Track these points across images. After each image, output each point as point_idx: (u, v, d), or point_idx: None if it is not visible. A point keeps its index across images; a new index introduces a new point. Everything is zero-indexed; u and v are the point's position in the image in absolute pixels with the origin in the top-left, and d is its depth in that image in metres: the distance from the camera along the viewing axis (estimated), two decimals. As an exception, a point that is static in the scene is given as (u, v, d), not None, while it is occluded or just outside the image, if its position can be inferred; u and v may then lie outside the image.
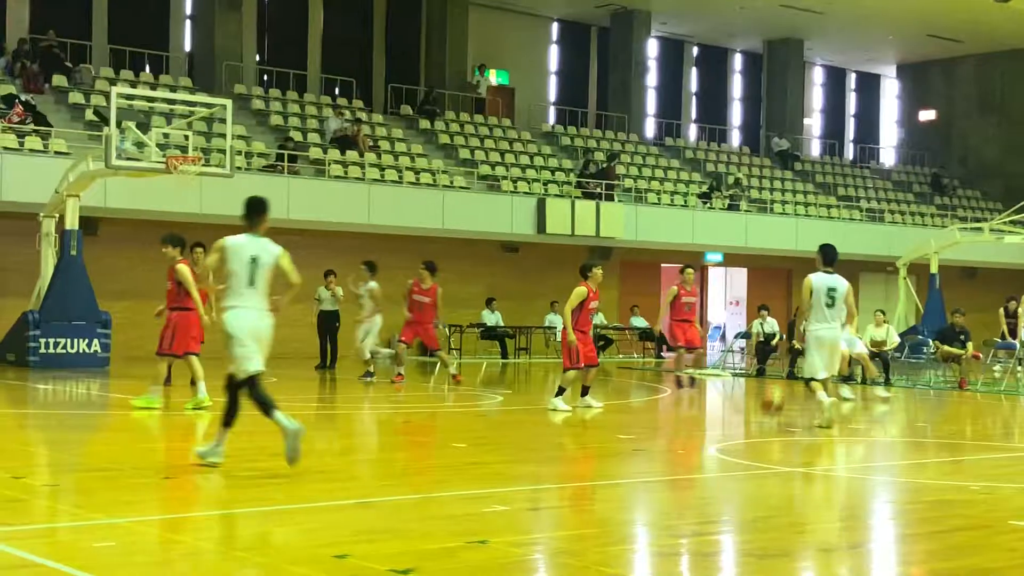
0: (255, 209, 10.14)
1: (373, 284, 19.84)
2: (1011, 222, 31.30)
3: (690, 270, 19.94)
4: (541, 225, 29.32)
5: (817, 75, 44.44)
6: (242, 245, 9.88)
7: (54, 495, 8.85)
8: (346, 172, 28.05)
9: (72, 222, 20.98)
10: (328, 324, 23.23)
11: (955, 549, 7.72)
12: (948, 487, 10.29)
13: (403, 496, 8.91)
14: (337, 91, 33.23)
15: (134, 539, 7.29)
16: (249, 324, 9.62)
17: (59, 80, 27.39)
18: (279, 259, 9.86)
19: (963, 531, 8.26)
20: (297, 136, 28.88)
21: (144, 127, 21.10)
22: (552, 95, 38.55)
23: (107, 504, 8.36)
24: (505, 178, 30.77)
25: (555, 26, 38.33)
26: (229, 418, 9.78)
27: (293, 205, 25.72)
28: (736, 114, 42.79)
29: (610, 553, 7.26)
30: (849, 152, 44.74)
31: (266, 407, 9.56)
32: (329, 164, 27.77)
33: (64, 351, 20.17)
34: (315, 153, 28.28)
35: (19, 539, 6.97)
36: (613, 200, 31.14)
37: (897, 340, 24.65)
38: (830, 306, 13.88)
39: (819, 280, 14.01)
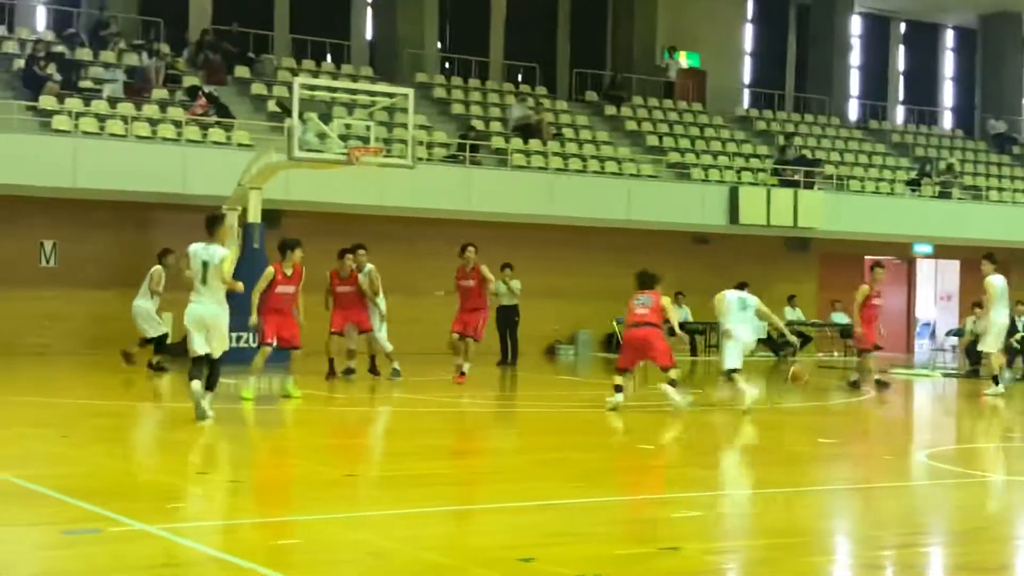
0: (211, 223, 12.91)
1: (370, 267, 18.81)
2: None
3: (880, 269, 19.65)
4: (734, 215, 28.98)
5: (1038, 51, 42.75)
6: (195, 251, 12.71)
7: (236, 491, 9.16)
8: (529, 161, 28.24)
9: (255, 215, 21.68)
10: (507, 319, 23.46)
11: None
12: None
13: (588, 499, 8.94)
14: (520, 78, 33.49)
15: (316, 537, 7.50)
16: (196, 315, 12.40)
17: (241, 71, 28.33)
18: (222, 261, 12.43)
19: None
20: (479, 125, 29.21)
21: (326, 118, 21.63)
22: (746, 77, 38.02)
23: (290, 501, 8.62)
24: (696, 166, 30.52)
25: (750, 3, 37.76)
26: (210, 383, 12.59)
27: (475, 196, 26.05)
28: (948, 95, 41.45)
29: (809, 564, 7.14)
30: (1075, 134, 42.91)
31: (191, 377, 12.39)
32: (512, 153, 28.00)
33: (247, 345, 20.82)
34: (497, 142, 28.56)
35: (202, 534, 7.24)
36: (812, 188, 30.59)
37: None
38: None
39: None
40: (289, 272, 15.09)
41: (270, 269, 15.16)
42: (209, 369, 12.52)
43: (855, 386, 19.45)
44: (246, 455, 11.53)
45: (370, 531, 7.70)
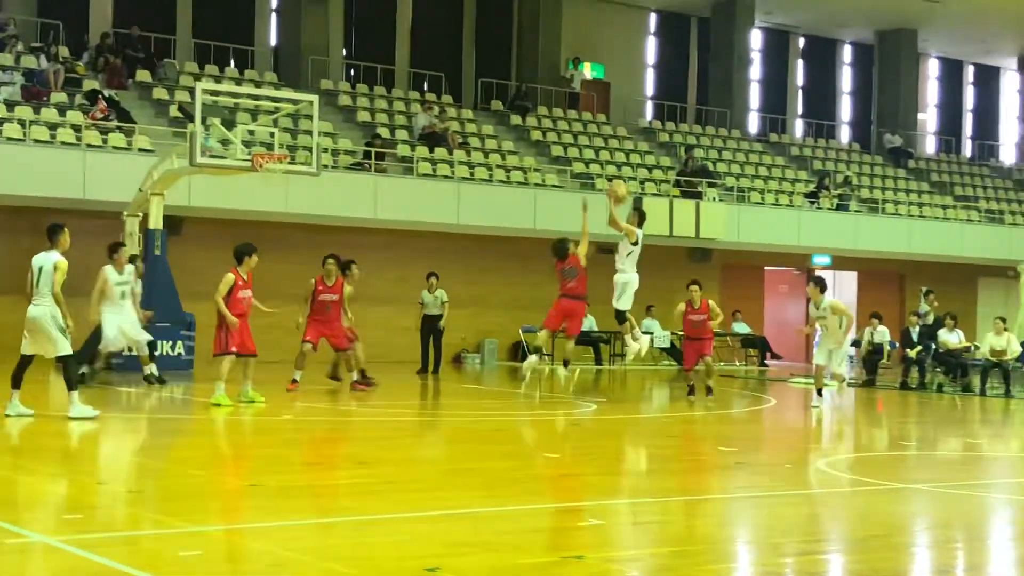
0: (51, 232, 13.74)
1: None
2: None
3: (695, 287, 19.84)
4: (638, 225, 29.15)
5: (932, 68, 43.67)
6: (36, 258, 13.48)
7: (138, 501, 9.03)
8: (435, 170, 28.23)
9: (156, 221, 21.37)
10: (431, 328, 23.40)
11: None
12: None
13: (495, 508, 8.95)
14: (426, 86, 33.48)
15: (219, 548, 7.42)
16: (28, 316, 13.28)
17: (143, 75, 27.96)
18: (55, 267, 13.18)
19: None
20: (385, 133, 29.14)
21: (229, 124, 21.38)
22: (649, 89, 38.40)
23: (192, 511, 8.51)
24: (600, 176, 30.73)
25: (653, 17, 38.16)
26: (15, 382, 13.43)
27: (381, 204, 25.97)
28: (845, 109, 42.23)
29: (712, 571, 7.22)
30: (967, 149, 43.92)
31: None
32: (417, 162, 27.97)
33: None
34: (403, 150, 28.51)
35: (103, 546, 7.11)
36: (712, 199, 30.94)
37: (1019, 349, 24.19)
38: None
39: None
40: (246, 277, 15.52)
41: (229, 276, 15.46)
42: (63, 370, 13.40)
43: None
44: (149, 465, 11.36)
45: (273, 542, 7.62)
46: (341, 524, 8.41)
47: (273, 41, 32.55)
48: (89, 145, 23.87)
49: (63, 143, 23.76)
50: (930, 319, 25.86)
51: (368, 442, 13.74)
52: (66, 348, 13.13)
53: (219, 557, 7.16)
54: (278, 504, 9.28)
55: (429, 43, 34.29)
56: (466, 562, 6.98)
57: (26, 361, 13.43)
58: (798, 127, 40.64)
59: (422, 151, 28.63)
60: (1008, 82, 45.26)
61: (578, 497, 9.66)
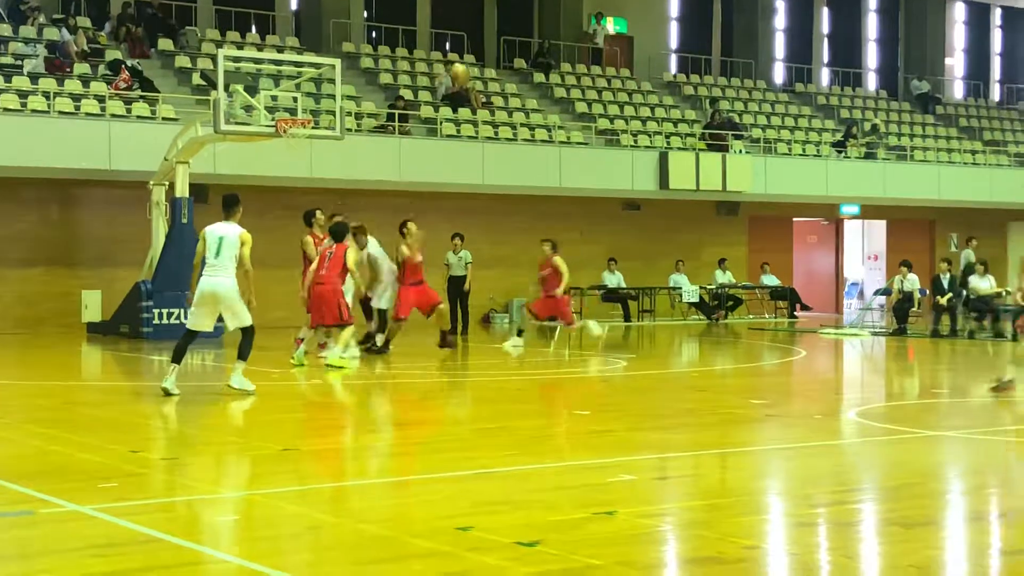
0: (228, 203, 13.12)
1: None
2: None
3: (546, 244, 19.47)
4: (664, 181, 29.12)
5: (959, 11, 43.17)
6: (211, 229, 12.94)
7: (173, 469, 9.11)
8: (459, 131, 28.18)
9: (182, 190, 21.46)
10: (457, 289, 23.43)
11: None
12: None
13: (526, 466, 8.99)
14: (448, 46, 33.38)
15: (254, 512, 7.48)
16: (206, 289, 12.79)
17: (165, 44, 27.97)
18: (240, 239, 12.78)
19: None
20: (408, 95, 29.09)
21: (252, 90, 21.43)
22: (674, 42, 38.15)
23: (227, 477, 8.58)
24: (625, 132, 30.63)
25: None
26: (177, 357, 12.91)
27: (405, 166, 25.96)
28: (872, 56, 41.84)
29: (744, 524, 7.24)
30: (995, 93, 43.49)
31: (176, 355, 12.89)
32: (441, 123, 27.92)
33: (178, 321, 20.62)
34: (426, 112, 28.47)
35: (139, 514, 7.19)
36: (738, 151, 30.80)
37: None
38: None
39: None
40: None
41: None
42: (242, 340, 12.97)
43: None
44: (183, 433, 11.45)
45: (309, 505, 7.69)
46: (373, 486, 8.48)
47: (294, 5, 32.47)
48: (113, 115, 23.93)
49: (87, 114, 23.82)
50: (971, 265, 25.73)
51: (398, 404, 13.81)
52: (249, 319, 12.82)
53: (255, 522, 7.23)
54: (311, 468, 9.36)
55: (450, 3, 34.15)
56: (498, 520, 7.02)
57: (192, 336, 13.08)
58: (824, 76, 40.31)
59: (446, 112, 28.58)
60: (1036, 24, 44.72)
61: (608, 453, 9.68)
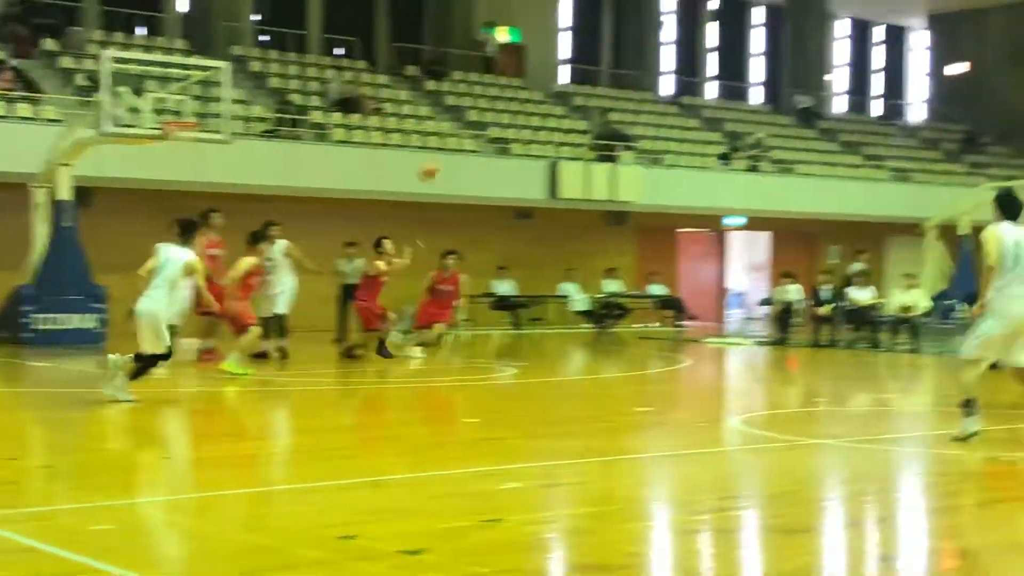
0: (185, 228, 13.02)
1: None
2: (1046, 180, 31.21)
3: (449, 259, 19.74)
4: (554, 190, 29.25)
5: (841, 28, 44.13)
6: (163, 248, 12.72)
7: (51, 476, 8.90)
8: (349, 136, 28.02)
9: (65, 192, 20.96)
10: (349, 297, 23.17)
11: (986, 522, 7.74)
12: (979, 458, 10.30)
13: (413, 474, 8.95)
14: (339, 52, 33.20)
15: (134, 521, 7.34)
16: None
17: (49, 44, 27.37)
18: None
19: (994, 504, 8.28)
20: (298, 99, 28.84)
21: (138, 92, 21.05)
22: (565, 53, 38.40)
23: (105, 485, 8.41)
24: (516, 141, 30.72)
25: (565, -20, 38.17)
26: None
27: (294, 172, 25.71)
28: (757, 70, 42.58)
29: (628, 531, 7.29)
30: (875, 109, 44.56)
31: None
32: (331, 128, 27.74)
33: (59, 327, 20.22)
34: (316, 117, 28.26)
35: (15, 522, 7.01)
36: (627, 162, 31.07)
37: (927, 305, 24.67)
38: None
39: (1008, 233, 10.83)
40: None
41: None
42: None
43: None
44: (62, 439, 11.19)
45: (189, 514, 7.57)
46: (258, 494, 8.37)
47: (182, 7, 32.01)
48: (-6, 115, 23.36)
49: (-32, 114, 23.24)
50: (849, 277, 26.21)
51: (286, 411, 13.67)
52: (156, 348, 12.55)
53: (134, 531, 7.08)
54: (194, 476, 9.21)
55: (342, 8, 33.95)
56: (383, 529, 6.97)
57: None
58: (711, 89, 40.91)
59: (336, 117, 28.39)
60: (916, 41, 45.90)
61: (496, 461, 9.68)
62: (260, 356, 17.43)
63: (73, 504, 7.82)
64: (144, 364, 12.46)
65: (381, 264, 18.30)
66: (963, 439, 10.30)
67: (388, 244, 18.63)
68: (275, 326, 18.12)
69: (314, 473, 9.04)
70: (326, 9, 33.71)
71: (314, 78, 30.75)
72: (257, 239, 16.70)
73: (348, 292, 22.92)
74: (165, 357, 12.51)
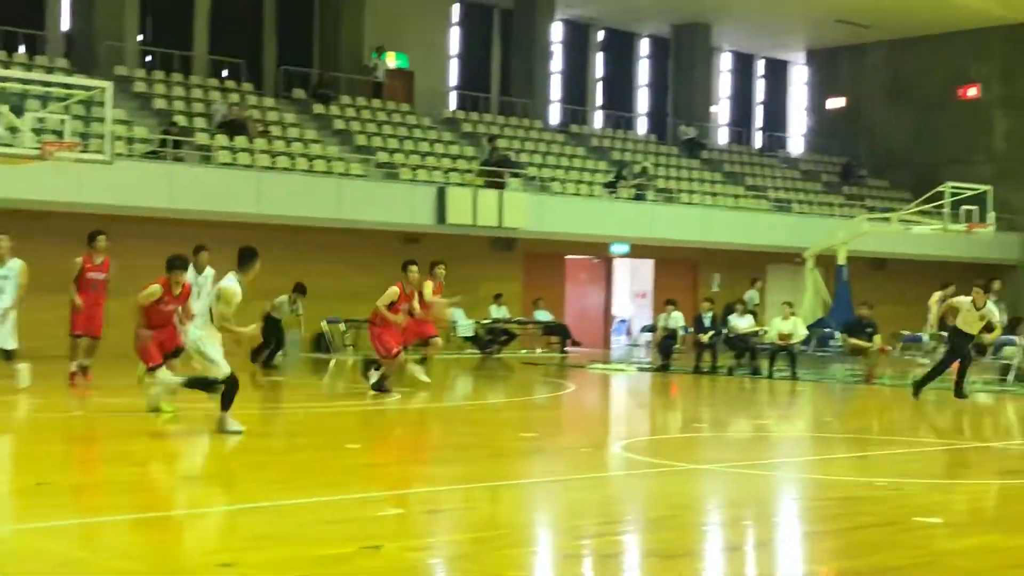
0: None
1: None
2: (920, 212, 32.00)
3: (439, 269, 19.17)
4: (442, 215, 29.22)
5: (725, 61, 44.96)
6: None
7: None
8: (235, 159, 27.70)
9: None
10: (274, 322, 22.70)
11: (862, 546, 7.86)
12: (854, 483, 10.51)
13: (294, 500, 8.83)
14: (225, 73, 32.87)
15: (8, 549, 7.13)
16: None
17: (-75, 60, 26.71)
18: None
19: (870, 528, 8.43)
20: (182, 120, 28.45)
21: (18, 110, 20.56)
22: (453, 80, 38.51)
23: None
24: (404, 166, 30.66)
25: (456, 7, 38.27)
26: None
27: (177, 194, 25.33)
28: (643, 101, 43.12)
29: (510, 556, 7.28)
30: (757, 141, 45.40)
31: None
32: (216, 150, 27.40)
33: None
34: (201, 139, 27.90)
35: None
36: (515, 189, 31.18)
37: (805, 333, 25.09)
38: None
39: None
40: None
41: (394, 289, 16.25)
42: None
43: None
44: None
45: (66, 541, 7.37)
46: (134, 521, 8.18)
47: (65, 26, 31.45)
48: None
49: None
50: (731, 304, 26.56)
51: (167, 437, 13.40)
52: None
53: (5, 558, 6.88)
54: (69, 502, 8.98)
55: (229, 29, 33.66)
56: (262, 556, 6.86)
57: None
58: (598, 118, 41.33)
59: (221, 139, 28.06)
60: (796, 75, 46.90)
61: (378, 487, 9.62)
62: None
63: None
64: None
65: (430, 285, 18.59)
66: None
67: (441, 271, 19.13)
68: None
69: (192, 499, 8.88)
70: (212, 30, 33.38)
71: (199, 99, 30.40)
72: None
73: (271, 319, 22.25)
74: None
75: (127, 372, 15.73)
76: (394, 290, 17.54)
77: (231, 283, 12.31)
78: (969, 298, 18.04)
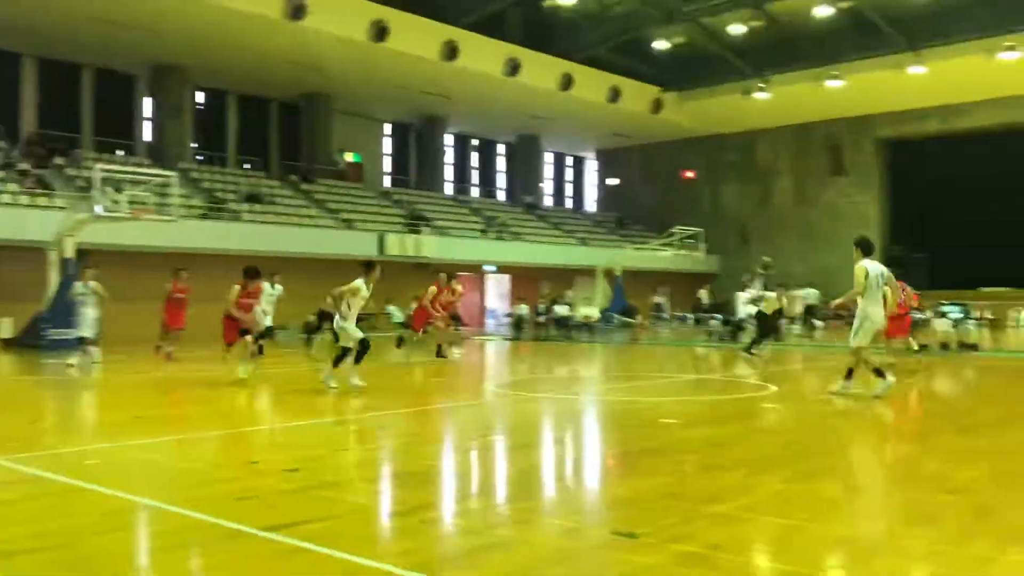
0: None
1: None
2: (663, 244, 32.81)
3: (184, 272, 16.16)
4: (382, 249, 29.08)
5: (548, 157, 45.31)
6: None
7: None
8: (254, 217, 27.08)
9: (69, 253, 19.61)
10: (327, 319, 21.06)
11: (631, 437, 7.80)
12: (627, 401, 10.27)
13: (300, 422, 8.43)
14: (247, 166, 32.17)
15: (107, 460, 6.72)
16: None
17: (59, 159, 25.50)
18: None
19: (635, 427, 8.33)
20: (220, 194, 27.63)
21: (119, 189, 19.86)
22: (388, 168, 38.22)
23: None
24: (358, 220, 30.36)
25: (388, 125, 38.02)
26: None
27: (218, 240, 24.63)
28: (501, 180, 43.08)
29: (424, 451, 7.06)
30: (569, 203, 45.78)
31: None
32: (243, 213, 26.74)
33: (65, 338, 18.79)
34: (232, 205, 27.22)
35: (26, 462, 6.33)
36: (427, 233, 31.02)
37: (598, 315, 25.54)
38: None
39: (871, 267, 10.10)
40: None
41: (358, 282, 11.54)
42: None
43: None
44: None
45: (153, 452, 6.99)
46: (206, 438, 7.69)
47: (148, 137, 30.31)
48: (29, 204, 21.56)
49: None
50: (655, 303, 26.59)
51: (216, 391, 12.27)
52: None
53: (107, 464, 6.48)
54: (157, 427, 8.42)
55: (249, 138, 32.83)
56: (319, 463, 6.44)
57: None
58: (475, 191, 41.25)
59: (245, 206, 27.37)
60: (590, 165, 47.02)
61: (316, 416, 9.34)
62: None
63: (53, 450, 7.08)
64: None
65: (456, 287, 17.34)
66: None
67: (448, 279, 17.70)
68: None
69: (238, 421, 8.52)
70: (239, 137, 32.65)
71: (231, 181, 29.68)
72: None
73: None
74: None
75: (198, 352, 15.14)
76: (432, 289, 17.15)
77: (358, 283, 11.21)
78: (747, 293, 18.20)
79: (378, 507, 5.26)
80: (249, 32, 26.29)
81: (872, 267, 9.99)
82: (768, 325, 16.79)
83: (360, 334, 11.11)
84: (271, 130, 33.80)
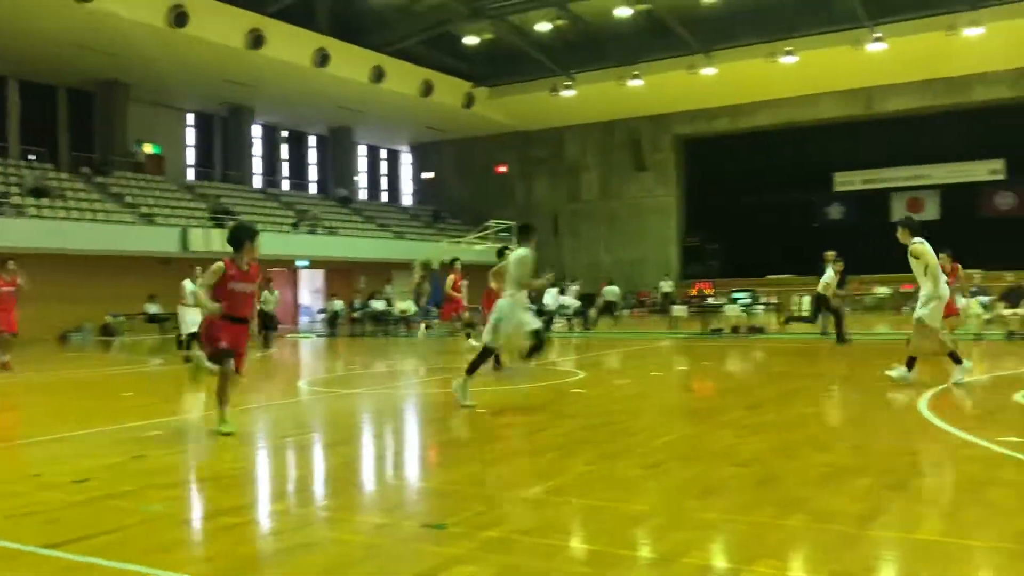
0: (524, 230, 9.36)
1: None
2: (478, 237, 33.43)
3: (11, 263, 14.37)
4: (185, 245, 27.62)
5: (362, 150, 44.82)
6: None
7: None
8: (40, 213, 24.91)
9: None
10: (270, 319, 19.84)
11: (464, 428, 7.92)
12: (443, 394, 10.51)
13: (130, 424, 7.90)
14: (32, 157, 29.45)
15: None
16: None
17: None
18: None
19: (454, 415, 8.53)
20: (1, 188, 25.17)
21: None
22: (191, 159, 36.27)
23: None
24: (159, 215, 28.65)
25: (190, 115, 36.07)
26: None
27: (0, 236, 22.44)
28: (312, 172, 42.20)
29: (240, 452, 6.83)
30: (384, 197, 45.52)
31: None
32: (28, 207, 24.50)
33: None
34: (16, 200, 24.85)
35: None
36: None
37: (415, 309, 25.61)
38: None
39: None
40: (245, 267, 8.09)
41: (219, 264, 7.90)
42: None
43: None
44: None
45: None
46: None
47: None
48: None
49: None
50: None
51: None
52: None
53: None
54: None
55: (33, 126, 30.18)
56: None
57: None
58: (285, 184, 40.18)
59: (31, 200, 25.11)
60: (404, 159, 47.19)
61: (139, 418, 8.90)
62: None
63: None
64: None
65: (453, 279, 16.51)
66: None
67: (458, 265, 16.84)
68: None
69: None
70: (21, 125, 29.82)
71: (14, 173, 27.07)
72: None
73: (265, 316, 18.96)
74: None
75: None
76: (452, 278, 16.40)
77: (523, 251, 9.09)
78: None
79: (178, 514, 5.04)
80: (32, 13, 24.05)
81: None
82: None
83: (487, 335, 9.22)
84: (60, 119, 31.10)
